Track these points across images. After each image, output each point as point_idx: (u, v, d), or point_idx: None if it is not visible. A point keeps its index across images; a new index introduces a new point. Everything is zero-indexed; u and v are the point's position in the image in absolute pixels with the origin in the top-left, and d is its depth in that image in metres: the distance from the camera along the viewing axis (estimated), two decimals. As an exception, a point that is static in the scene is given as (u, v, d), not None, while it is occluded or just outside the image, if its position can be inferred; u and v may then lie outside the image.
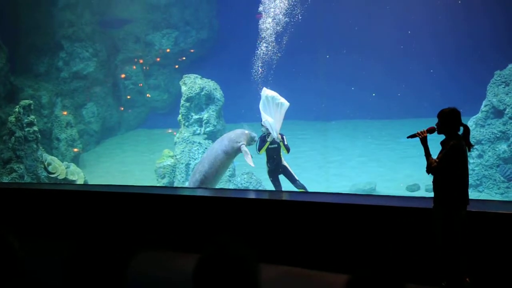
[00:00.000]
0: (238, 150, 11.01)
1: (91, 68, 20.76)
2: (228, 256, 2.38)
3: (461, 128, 5.32)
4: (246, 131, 11.14)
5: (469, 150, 5.30)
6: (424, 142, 5.38)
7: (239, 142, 10.94)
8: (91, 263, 2.61)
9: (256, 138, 11.04)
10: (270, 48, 14.11)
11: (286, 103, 10.73)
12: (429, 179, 13.37)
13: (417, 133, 5.43)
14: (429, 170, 5.31)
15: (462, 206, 5.21)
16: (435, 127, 5.35)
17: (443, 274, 5.32)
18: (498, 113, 12.82)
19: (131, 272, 2.75)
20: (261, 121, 10.70)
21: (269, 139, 10.53)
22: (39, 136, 14.60)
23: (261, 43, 14.08)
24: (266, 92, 10.92)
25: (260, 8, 14.57)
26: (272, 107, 10.76)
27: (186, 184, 13.84)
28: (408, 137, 5.58)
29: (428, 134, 5.40)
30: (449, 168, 5.17)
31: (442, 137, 5.35)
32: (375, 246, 6.12)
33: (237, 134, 11.15)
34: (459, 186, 5.20)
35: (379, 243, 6.09)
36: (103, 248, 2.67)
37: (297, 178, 10.77)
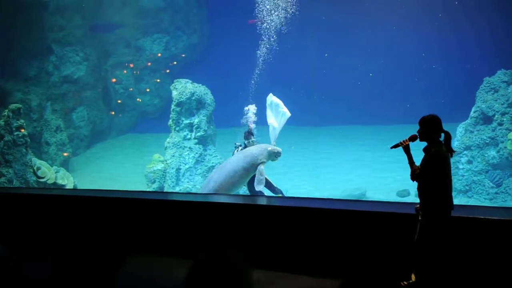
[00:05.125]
0: (256, 165, 10.53)
1: (82, 72, 20.70)
2: (220, 262, 2.38)
3: (443, 135, 5.38)
4: (269, 147, 10.69)
5: (451, 156, 5.35)
6: (407, 150, 5.45)
7: (260, 160, 10.49)
8: (79, 267, 2.60)
9: (281, 153, 10.76)
10: (261, 53, 14.16)
11: (288, 113, 10.83)
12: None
13: (400, 142, 5.48)
14: (413, 177, 5.36)
15: (447, 211, 5.28)
16: (417, 134, 5.41)
17: (418, 276, 5.37)
18: (487, 119, 12.92)
19: (120, 276, 2.74)
20: (248, 129, 10.91)
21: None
22: (29, 140, 14.51)
23: (253, 48, 14.12)
24: (272, 98, 10.99)
25: (252, 14, 14.62)
26: (275, 114, 10.87)
27: (177, 189, 13.80)
28: (391, 148, 5.63)
29: (410, 142, 5.46)
30: (432, 175, 5.23)
31: (425, 144, 5.42)
32: (365, 251, 6.13)
33: (260, 151, 10.64)
34: (442, 191, 5.25)
35: (369, 249, 6.11)
36: (92, 253, 2.66)
37: (274, 184, 10.87)
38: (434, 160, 5.20)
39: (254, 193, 10.79)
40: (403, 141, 5.46)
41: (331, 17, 21.58)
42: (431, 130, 5.30)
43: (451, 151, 5.33)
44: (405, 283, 5.44)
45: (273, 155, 10.67)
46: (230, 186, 10.69)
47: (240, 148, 11.10)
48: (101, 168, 18.44)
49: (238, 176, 10.62)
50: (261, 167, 10.42)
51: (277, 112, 10.84)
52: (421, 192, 5.36)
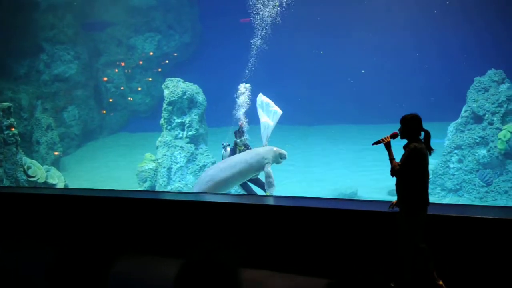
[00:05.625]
0: (261, 167, 10.50)
1: (73, 70, 20.62)
2: (211, 262, 2.38)
3: (423, 133, 5.52)
4: (275, 148, 10.70)
5: (430, 154, 5.47)
6: (387, 147, 5.60)
7: (266, 159, 10.45)
8: (71, 267, 2.59)
9: (286, 156, 10.80)
10: (253, 52, 14.16)
11: (279, 111, 10.88)
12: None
13: (381, 139, 5.64)
14: (393, 173, 5.50)
15: (422, 207, 5.39)
16: (398, 132, 5.55)
17: (397, 274, 5.45)
18: (477, 118, 13.00)
19: (112, 275, 2.74)
20: (238, 128, 10.94)
21: (239, 148, 10.81)
22: (19, 139, 14.42)
23: (245, 47, 14.13)
24: (262, 98, 11.03)
25: (244, 14, 14.64)
26: (266, 114, 10.91)
27: (168, 188, 13.77)
28: (373, 144, 5.82)
29: (391, 139, 5.61)
30: (410, 170, 5.36)
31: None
32: (357, 250, 6.15)
33: (266, 150, 10.64)
34: (419, 187, 5.37)
35: (361, 248, 6.12)
36: (83, 252, 2.65)
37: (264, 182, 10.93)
38: (413, 155, 5.33)
39: (249, 191, 10.81)
40: (384, 138, 5.62)
41: (324, 16, 21.62)
42: (412, 129, 5.44)
43: (430, 149, 5.46)
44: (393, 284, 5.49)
45: (279, 157, 10.69)
46: (231, 184, 10.67)
47: (228, 148, 11.09)
48: (92, 167, 18.37)
49: (242, 174, 10.56)
50: (269, 169, 10.42)
51: (268, 111, 10.88)
52: (399, 187, 5.48)
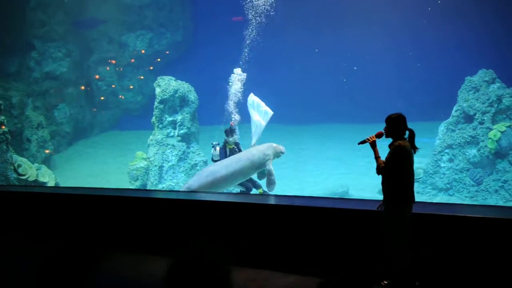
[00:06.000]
0: (263, 164, 10.49)
1: (64, 68, 20.52)
2: (200, 261, 2.37)
3: (407, 132, 5.59)
4: (274, 144, 10.76)
5: (414, 152, 5.55)
6: (373, 146, 5.71)
7: (267, 155, 10.48)
8: (60, 265, 2.58)
9: (284, 150, 10.87)
10: (246, 50, 14.14)
11: (270, 112, 10.90)
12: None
13: (367, 138, 5.75)
14: (378, 171, 5.60)
15: (406, 204, 5.46)
16: (383, 131, 5.65)
17: (386, 272, 5.49)
18: (468, 118, 13.06)
19: (101, 273, 2.73)
20: (230, 127, 10.96)
21: (229, 147, 10.83)
22: (9, 137, 14.33)
23: (237, 46, 14.11)
24: (253, 98, 11.04)
25: (236, 12, 14.64)
26: (257, 113, 10.92)
27: (160, 187, 13.74)
28: (359, 143, 5.93)
29: (377, 139, 5.71)
30: (394, 168, 5.45)
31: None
32: (349, 249, 6.16)
33: (265, 147, 10.69)
34: (403, 185, 5.45)
35: (352, 246, 6.14)
36: (74, 250, 2.64)
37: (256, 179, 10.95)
38: (397, 153, 5.43)
39: (248, 187, 10.79)
40: (370, 137, 5.71)
41: (317, 14, 21.64)
42: (397, 128, 5.53)
43: (414, 148, 5.55)
44: (385, 282, 5.52)
45: (279, 153, 10.75)
46: (231, 181, 10.57)
47: (217, 147, 11.07)
48: (83, 165, 18.29)
49: (243, 171, 10.51)
50: (271, 166, 10.42)
51: (259, 111, 10.89)
52: (384, 185, 5.56)
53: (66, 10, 20.95)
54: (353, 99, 21.12)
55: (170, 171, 14.04)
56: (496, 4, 18.98)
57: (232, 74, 11.73)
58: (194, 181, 10.64)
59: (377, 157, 5.63)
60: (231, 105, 11.57)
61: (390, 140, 5.65)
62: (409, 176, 5.47)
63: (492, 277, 5.51)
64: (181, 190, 10.86)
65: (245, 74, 11.78)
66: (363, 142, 5.82)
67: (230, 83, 11.56)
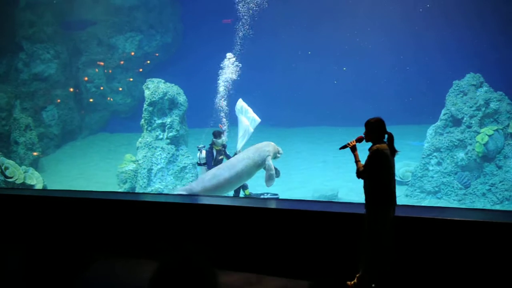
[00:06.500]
0: (264, 160, 10.48)
1: (52, 70, 20.39)
2: (187, 265, 2.37)
3: (386, 136, 5.69)
4: (272, 143, 10.80)
5: (393, 156, 5.66)
6: (353, 150, 5.84)
7: (267, 151, 10.50)
8: (48, 268, 2.57)
9: (282, 152, 10.88)
10: (235, 52, 14.13)
11: (257, 119, 10.94)
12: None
13: (347, 143, 5.88)
14: (358, 175, 5.72)
15: (387, 207, 5.54)
16: (363, 136, 5.76)
17: (370, 274, 5.53)
18: (456, 121, 13.15)
19: (88, 276, 2.72)
20: (218, 129, 10.98)
21: (216, 148, 10.87)
22: (-4, 139, 14.23)
23: (227, 48, 14.10)
24: (241, 104, 11.06)
25: (226, 15, 14.66)
26: (245, 119, 10.96)
27: (149, 190, 13.68)
28: (340, 148, 6.06)
29: (358, 143, 5.84)
30: (373, 172, 5.56)
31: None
32: (338, 252, 6.17)
33: (264, 144, 10.71)
34: (383, 187, 5.55)
35: (342, 249, 6.15)
36: (61, 253, 2.63)
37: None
38: (373, 156, 5.54)
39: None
40: (350, 142, 5.85)
41: (304, 18, 21.71)
42: (376, 132, 5.65)
43: (393, 151, 5.65)
44: (351, 283, 5.56)
45: (276, 153, 10.73)
46: (235, 182, 10.53)
47: (203, 150, 11.06)
48: (72, 168, 18.17)
49: (246, 170, 10.48)
50: (270, 162, 10.44)
51: (247, 117, 10.94)
52: (364, 188, 5.69)
53: (55, 11, 20.83)
54: (343, 102, 21.19)
55: (159, 174, 13.98)
56: (483, 8, 19.13)
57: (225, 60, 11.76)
58: (196, 184, 10.51)
59: (357, 161, 5.74)
60: (222, 103, 11.57)
61: (366, 143, 5.76)
62: (388, 179, 5.57)
63: (479, 280, 5.55)
64: (179, 192, 10.72)
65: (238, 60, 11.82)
66: (344, 147, 5.92)
67: (222, 68, 11.56)
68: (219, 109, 11.75)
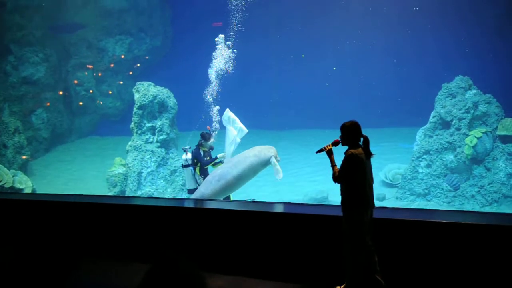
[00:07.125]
0: (267, 161, 10.47)
1: (41, 73, 20.28)
2: (175, 270, 2.36)
3: (362, 139, 5.71)
4: (273, 147, 10.81)
5: (369, 158, 5.67)
6: (329, 154, 5.86)
7: (271, 152, 10.52)
8: (33, 271, 2.56)
9: (279, 158, 10.88)
10: (224, 56, 14.13)
11: (245, 129, 10.93)
12: (380, 188, 13.51)
13: (324, 147, 5.89)
14: (334, 179, 5.72)
15: (362, 210, 5.55)
16: (339, 139, 5.77)
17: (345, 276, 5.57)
18: (445, 124, 13.24)
19: (78, 280, 2.71)
20: (207, 131, 10.98)
21: (203, 149, 10.88)
22: (-15, 143, 14.12)
23: (216, 52, 14.10)
24: (229, 114, 11.05)
25: (216, 18, 14.69)
26: (232, 129, 10.94)
27: (139, 193, 13.63)
28: (316, 152, 6.02)
29: (334, 147, 5.84)
30: (347, 176, 5.58)
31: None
32: (328, 256, 6.18)
33: (268, 146, 10.76)
34: (358, 191, 5.56)
35: (332, 253, 6.16)
36: (49, 257, 2.62)
37: None
38: (347, 161, 5.56)
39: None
40: (326, 146, 5.86)
41: (296, 20, 21.75)
42: (351, 135, 5.67)
43: (369, 154, 5.67)
44: (341, 287, 5.58)
45: (276, 156, 10.77)
46: (242, 180, 10.46)
47: (188, 152, 11.01)
48: (61, 172, 18.07)
49: (252, 168, 10.43)
50: (273, 159, 10.47)
51: (235, 128, 10.93)
52: (341, 192, 5.69)
53: (44, 14, 20.73)
54: (333, 104, 21.24)
55: (149, 177, 13.95)
56: (473, 11, 19.28)
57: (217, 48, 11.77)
58: (205, 188, 10.40)
59: (333, 166, 5.75)
60: (212, 74, 11.60)
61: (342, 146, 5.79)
62: (363, 183, 5.58)
63: (468, 282, 5.57)
64: (192, 198, 10.65)
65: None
66: (320, 150, 5.92)
67: (215, 57, 11.56)
68: (208, 112, 11.73)
